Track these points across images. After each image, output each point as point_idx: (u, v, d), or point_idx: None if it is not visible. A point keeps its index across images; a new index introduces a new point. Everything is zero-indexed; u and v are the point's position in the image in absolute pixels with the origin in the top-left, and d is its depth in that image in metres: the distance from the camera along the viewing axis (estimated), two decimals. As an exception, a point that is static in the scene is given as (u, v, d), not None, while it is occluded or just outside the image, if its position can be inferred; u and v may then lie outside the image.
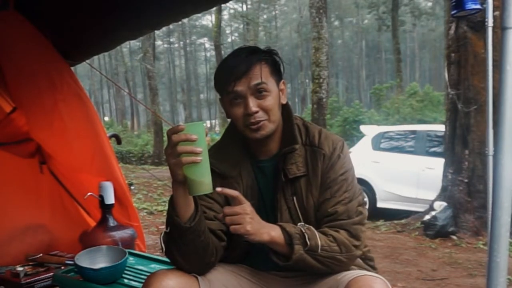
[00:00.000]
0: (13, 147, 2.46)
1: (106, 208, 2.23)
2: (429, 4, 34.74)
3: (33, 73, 2.25)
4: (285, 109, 1.34)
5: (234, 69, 1.24)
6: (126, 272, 1.80)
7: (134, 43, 29.73)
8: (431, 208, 5.28)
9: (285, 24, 46.07)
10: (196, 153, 1.07)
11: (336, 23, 42.78)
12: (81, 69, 26.65)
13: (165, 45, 45.76)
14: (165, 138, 3.42)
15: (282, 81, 1.34)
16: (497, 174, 1.19)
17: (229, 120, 1.35)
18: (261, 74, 1.25)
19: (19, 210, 2.44)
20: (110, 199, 2.23)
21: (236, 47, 1.35)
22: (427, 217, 5.18)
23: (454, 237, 4.93)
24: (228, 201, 1.24)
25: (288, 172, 1.28)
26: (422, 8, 30.26)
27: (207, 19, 41.85)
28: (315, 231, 1.21)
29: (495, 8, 2.90)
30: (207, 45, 47.09)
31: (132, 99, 29.96)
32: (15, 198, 2.44)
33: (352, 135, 14.00)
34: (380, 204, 6.40)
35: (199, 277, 1.25)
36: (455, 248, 4.65)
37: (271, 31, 39.33)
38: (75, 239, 2.25)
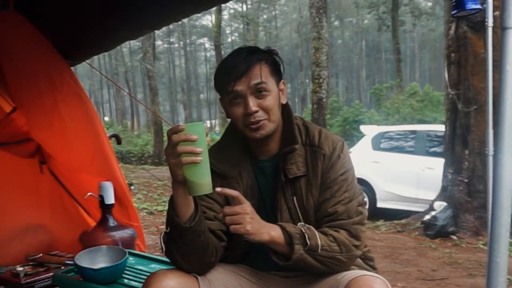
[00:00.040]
0: (13, 147, 2.46)
1: (106, 208, 2.23)
2: (429, 4, 34.74)
3: (33, 73, 2.25)
4: (285, 109, 1.34)
5: (234, 69, 1.24)
6: (126, 272, 1.80)
7: (134, 43, 29.75)
8: (431, 208, 5.28)
9: (285, 24, 46.07)
10: (196, 153, 1.07)
11: (336, 23, 42.78)
12: (81, 69, 26.64)
13: (165, 45, 45.77)
14: (165, 138, 3.42)
15: (282, 81, 1.34)
16: (497, 174, 1.19)
17: (229, 120, 1.35)
18: (261, 74, 1.25)
19: (19, 210, 2.44)
20: (110, 199, 2.23)
21: (236, 47, 1.35)
22: (427, 217, 5.18)
23: (454, 237, 4.93)
24: (228, 201, 1.24)
25: (288, 172, 1.28)
26: (422, 8, 30.25)
27: (207, 19, 41.89)
28: (315, 231, 1.21)
29: (495, 8, 2.90)
30: (207, 45, 47.14)
31: (132, 99, 29.98)
32: (15, 198, 2.44)
33: (352, 135, 14.00)
34: (380, 204, 6.40)
35: (199, 277, 1.25)
36: (455, 248, 4.65)
37: (271, 31, 39.33)
38: (75, 239, 2.25)
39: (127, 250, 1.82)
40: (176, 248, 1.20)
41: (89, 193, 2.24)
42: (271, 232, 1.18)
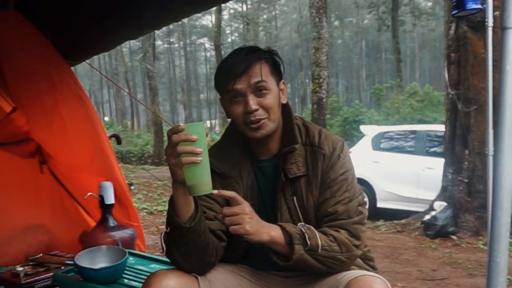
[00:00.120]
0: (13, 147, 2.46)
1: (106, 208, 2.23)
2: (429, 4, 34.73)
3: (33, 73, 2.25)
4: (285, 109, 1.34)
5: (234, 68, 1.25)
6: (126, 272, 1.80)
7: (134, 43, 29.75)
8: (431, 208, 5.28)
9: (285, 24, 46.06)
10: (196, 153, 1.07)
11: (336, 23, 42.77)
12: (81, 69, 26.64)
13: (165, 45, 45.76)
14: (165, 138, 3.42)
15: (282, 81, 1.34)
16: (497, 174, 1.19)
17: (229, 120, 1.35)
18: (261, 72, 1.25)
19: (19, 210, 2.44)
20: (110, 199, 2.23)
21: (236, 47, 1.35)
22: (427, 217, 5.18)
23: (454, 237, 4.93)
24: (228, 201, 1.24)
25: (288, 172, 1.28)
26: (422, 8, 30.24)
27: (207, 19, 41.88)
28: (315, 231, 1.21)
29: (495, 8, 2.90)
30: (207, 45, 47.13)
31: (132, 99, 29.97)
32: (15, 198, 2.44)
33: (352, 135, 13.99)
34: (380, 204, 6.40)
35: (199, 277, 1.24)
36: (455, 248, 4.65)
37: (271, 31, 39.33)
38: (75, 239, 2.25)
39: (127, 250, 1.82)
40: (176, 248, 1.20)
41: (89, 193, 2.24)
42: (271, 232, 1.18)
